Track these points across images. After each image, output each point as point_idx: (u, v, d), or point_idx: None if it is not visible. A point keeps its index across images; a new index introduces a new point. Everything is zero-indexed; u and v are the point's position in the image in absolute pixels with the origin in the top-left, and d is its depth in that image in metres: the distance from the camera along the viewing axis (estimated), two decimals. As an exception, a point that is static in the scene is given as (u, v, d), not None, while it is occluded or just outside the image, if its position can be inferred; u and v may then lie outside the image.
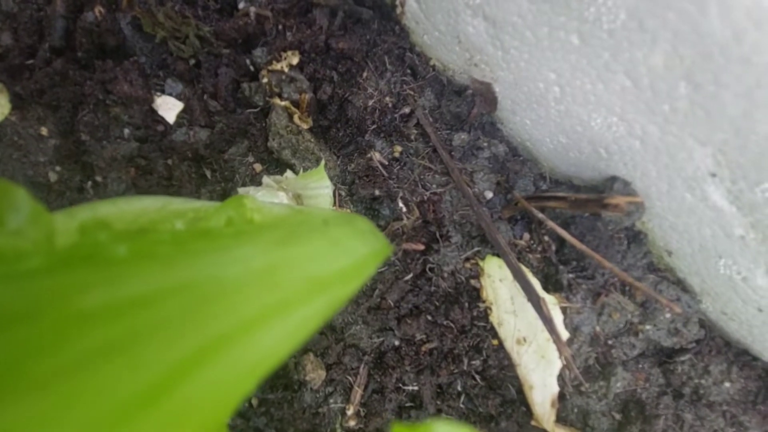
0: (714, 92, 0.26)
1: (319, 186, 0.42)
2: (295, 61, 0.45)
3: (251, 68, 0.48)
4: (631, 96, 0.32)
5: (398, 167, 0.52)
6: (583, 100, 0.36)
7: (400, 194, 0.52)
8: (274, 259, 0.13)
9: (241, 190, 0.45)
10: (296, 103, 0.46)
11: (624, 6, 0.26)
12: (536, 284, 0.45)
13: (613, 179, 0.43)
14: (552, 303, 0.45)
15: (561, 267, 0.47)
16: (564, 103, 0.39)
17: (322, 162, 0.43)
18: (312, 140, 0.48)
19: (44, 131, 0.52)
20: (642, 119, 0.33)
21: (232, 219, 0.23)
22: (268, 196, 0.42)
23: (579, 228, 0.45)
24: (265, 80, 0.44)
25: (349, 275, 0.15)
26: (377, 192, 0.51)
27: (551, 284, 0.48)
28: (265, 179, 0.45)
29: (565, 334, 0.45)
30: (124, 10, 0.44)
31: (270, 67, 0.44)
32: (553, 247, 0.48)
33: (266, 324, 0.12)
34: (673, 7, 0.24)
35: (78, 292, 0.12)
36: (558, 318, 0.45)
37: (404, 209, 0.52)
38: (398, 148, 0.52)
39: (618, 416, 0.53)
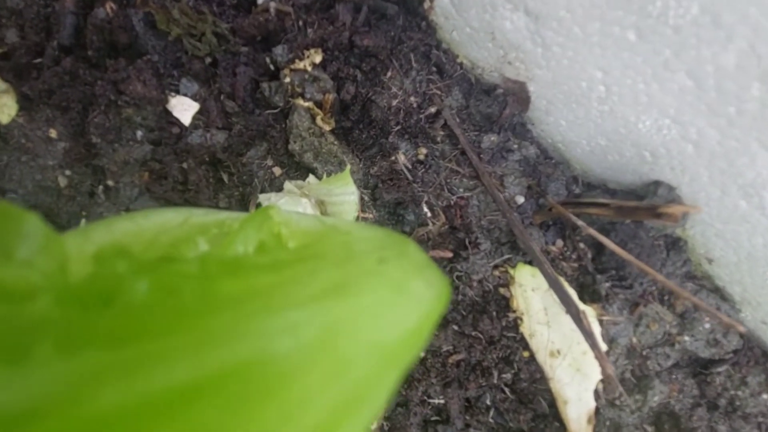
0: (795, 94, 0.24)
1: (344, 192, 0.40)
2: (318, 59, 0.43)
3: (271, 67, 0.45)
4: (691, 97, 0.30)
5: (423, 170, 0.50)
6: (632, 100, 0.34)
7: (425, 198, 0.49)
8: (330, 321, 0.11)
9: (261, 197, 0.43)
10: (319, 104, 0.44)
11: (696, 3, 0.24)
12: (573, 294, 0.43)
13: (657, 184, 0.40)
14: (591, 315, 0.43)
15: (598, 276, 0.44)
16: (609, 103, 0.36)
17: (348, 167, 0.40)
18: (335, 143, 0.46)
19: (53, 133, 0.50)
20: (700, 122, 0.31)
21: (265, 244, 0.21)
22: (291, 204, 0.40)
23: (620, 235, 0.42)
24: (287, 80, 0.42)
25: (419, 332, 0.13)
26: (401, 196, 0.48)
27: (587, 294, 0.46)
28: (287, 185, 0.43)
29: (603, 347, 0.43)
30: (137, 6, 0.42)
31: (292, 66, 0.41)
32: (589, 255, 0.45)
33: (336, 426, 0.09)
34: (756, 1, 0.22)
35: (92, 380, 0.09)
36: (596, 330, 0.43)
37: (429, 214, 0.49)
38: (423, 151, 0.49)
39: (650, 429, 0.51)
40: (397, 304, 0.13)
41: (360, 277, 0.14)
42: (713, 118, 0.30)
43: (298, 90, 0.43)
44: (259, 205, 0.45)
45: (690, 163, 0.35)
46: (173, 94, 0.48)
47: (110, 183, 0.50)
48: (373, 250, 0.16)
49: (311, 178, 0.43)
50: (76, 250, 0.18)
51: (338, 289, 0.13)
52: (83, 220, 0.50)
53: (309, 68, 0.42)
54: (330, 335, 0.11)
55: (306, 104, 0.43)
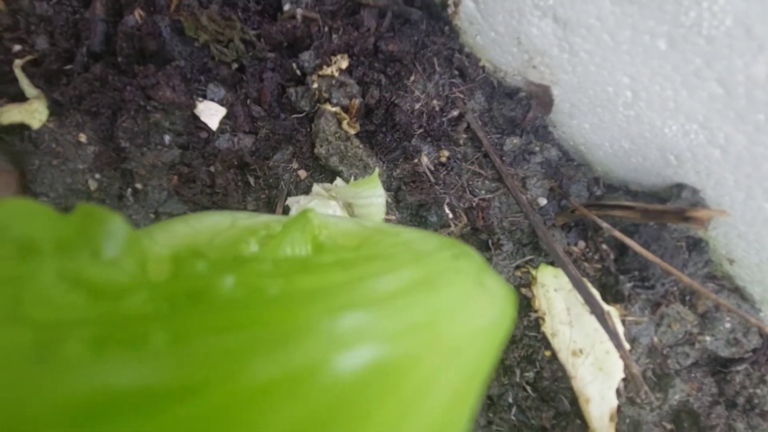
0: (827, 103, 0.25)
1: (372, 194, 0.41)
2: (344, 64, 0.44)
3: (298, 72, 0.46)
4: (720, 104, 0.31)
5: (445, 173, 0.51)
6: (659, 106, 0.35)
7: (447, 200, 0.50)
8: (431, 311, 0.12)
9: (291, 200, 0.44)
10: (345, 109, 0.45)
11: (732, 11, 0.25)
12: (597, 295, 0.43)
13: (680, 187, 0.41)
14: (615, 315, 0.43)
15: (621, 276, 0.45)
16: (635, 108, 0.37)
17: (376, 170, 0.41)
18: (360, 146, 0.47)
19: (83, 138, 0.51)
20: (728, 127, 0.32)
21: (322, 245, 0.22)
22: (320, 206, 0.41)
23: (643, 237, 0.43)
24: (315, 85, 0.43)
25: (501, 326, 0.14)
26: (424, 198, 0.49)
27: (610, 294, 0.46)
28: (315, 187, 0.44)
29: (626, 346, 0.44)
30: (170, 14, 0.43)
31: (320, 72, 0.42)
32: (612, 256, 0.46)
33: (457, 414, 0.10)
34: (793, 13, 0.23)
35: (241, 354, 0.11)
36: (620, 330, 0.44)
37: (451, 216, 0.50)
38: (445, 153, 0.50)
39: (669, 426, 0.52)
40: (481, 296, 0.14)
41: (442, 272, 0.14)
42: (741, 124, 0.31)
43: (325, 95, 0.44)
44: (286, 208, 0.46)
45: (716, 167, 0.36)
46: (200, 99, 0.49)
47: (138, 186, 0.51)
48: (441, 249, 0.17)
49: (339, 180, 0.44)
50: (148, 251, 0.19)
51: (426, 283, 0.14)
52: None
53: (336, 74, 0.43)
54: (434, 324, 0.11)
55: (333, 109, 0.44)
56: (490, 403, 0.50)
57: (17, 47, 0.51)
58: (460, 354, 0.11)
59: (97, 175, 0.52)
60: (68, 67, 0.50)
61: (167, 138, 0.50)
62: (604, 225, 0.40)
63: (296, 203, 0.42)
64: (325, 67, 0.43)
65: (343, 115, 0.45)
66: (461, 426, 0.11)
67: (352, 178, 0.45)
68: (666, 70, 0.31)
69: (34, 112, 0.51)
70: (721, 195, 0.38)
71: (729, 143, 0.33)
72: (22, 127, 0.51)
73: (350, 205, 0.43)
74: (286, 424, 0.10)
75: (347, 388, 0.10)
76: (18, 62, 0.49)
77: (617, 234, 0.40)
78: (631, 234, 0.43)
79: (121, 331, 0.12)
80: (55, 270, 0.12)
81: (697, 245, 0.47)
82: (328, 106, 0.43)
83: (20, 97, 0.51)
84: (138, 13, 0.48)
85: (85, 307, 0.11)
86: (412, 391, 0.10)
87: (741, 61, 0.27)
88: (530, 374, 0.48)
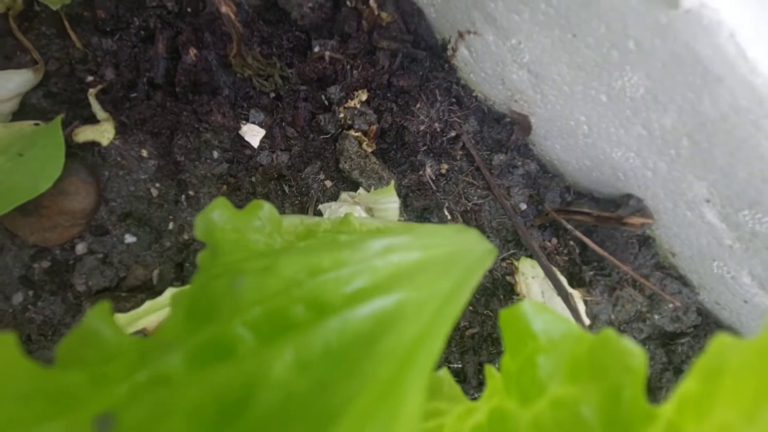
0: (707, 148, 0.37)
1: (388, 201, 0.53)
2: (364, 97, 0.55)
3: (325, 102, 0.58)
4: (646, 141, 0.43)
5: (444, 182, 0.62)
6: (607, 138, 0.47)
7: (446, 205, 0.62)
8: (454, 242, 0.23)
9: (323, 206, 0.55)
10: (365, 132, 0.57)
11: (643, 85, 0.37)
12: (564, 281, 0.56)
13: (629, 196, 0.53)
14: (577, 297, 0.56)
15: (584, 267, 0.58)
16: (591, 137, 0.49)
17: (392, 182, 0.53)
18: (376, 162, 0.58)
19: (144, 153, 0.62)
20: (654, 157, 0.44)
21: (356, 229, 0.34)
22: (347, 210, 0.53)
23: (600, 235, 0.56)
24: (341, 115, 0.54)
25: (485, 260, 0.24)
26: (427, 203, 0.61)
27: (575, 281, 0.59)
28: (343, 195, 0.56)
29: (587, 321, 0.56)
30: (228, 58, 0.54)
31: (345, 105, 0.54)
32: (577, 251, 0.59)
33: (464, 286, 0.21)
34: (679, 92, 0.35)
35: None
36: (581, 308, 0.56)
37: (449, 218, 0.62)
38: (445, 166, 0.62)
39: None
40: (479, 242, 0.24)
41: (444, 227, 0.26)
42: (662, 155, 0.43)
43: (349, 122, 0.56)
44: (318, 211, 0.57)
45: (650, 184, 0.48)
46: (244, 122, 0.60)
47: (191, 193, 0.63)
48: (447, 227, 0.29)
49: (361, 189, 0.56)
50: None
51: (459, 231, 0.25)
52: (171, 223, 0.62)
53: (358, 106, 0.55)
54: (438, 249, 0.22)
55: (355, 134, 0.55)
56: (480, 369, 0.62)
57: (89, 78, 0.62)
58: (454, 268, 0.23)
59: (157, 184, 0.63)
60: (132, 95, 0.61)
61: (216, 154, 0.62)
62: (568, 226, 0.53)
63: (328, 207, 0.54)
64: (349, 100, 0.54)
65: (363, 137, 0.56)
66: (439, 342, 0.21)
67: (372, 187, 0.57)
68: (608, 115, 0.43)
69: (103, 132, 0.62)
70: (656, 204, 0.50)
71: (656, 168, 0.45)
72: (93, 144, 0.62)
73: (371, 209, 0.55)
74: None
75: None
76: (92, 91, 0.60)
77: (578, 234, 0.52)
78: (590, 234, 0.56)
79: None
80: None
81: (646, 241, 0.59)
82: (351, 132, 0.55)
83: (92, 120, 0.62)
84: (192, 52, 0.58)
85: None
86: (425, 282, 0.22)
87: (654, 115, 0.39)
88: (513, 345, 0.61)
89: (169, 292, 0.50)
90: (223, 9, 0.46)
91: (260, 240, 0.26)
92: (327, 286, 0.17)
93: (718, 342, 0.12)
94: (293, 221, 0.36)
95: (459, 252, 0.21)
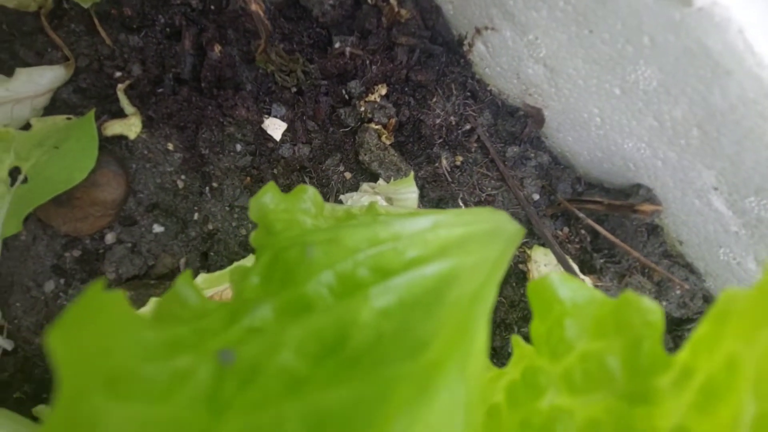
0: (716, 137, 0.39)
1: (408, 191, 0.55)
2: (384, 92, 0.58)
3: (346, 96, 0.60)
4: (657, 132, 0.45)
5: (459, 174, 0.65)
6: (619, 130, 0.49)
7: (461, 195, 0.65)
8: (490, 221, 0.25)
9: (343, 197, 0.58)
10: (385, 125, 0.59)
11: (656, 78, 0.39)
12: (575, 268, 0.58)
13: (639, 186, 0.56)
14: (588, 283, 0.58)
15: (594, 254, 0.60)
16: (603, 129, 0.51)
17: (412, 173, 0.56)
18: (395, 154, 0.61)
19: (170, 146, 0.65)
20: (664, 147, 0.46)
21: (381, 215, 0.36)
22: (369, 200, 0.55)
23: (610, 224, 0.58)
24: (362, 108, 0.57)
25: (520, 233, 0.26)
26: (443, 194, 0.64)
27: (586, 268, 0.61)
28: (364, 186, 0.58)
29: (597, 307, 0.59)
30: (260, 53, 0.56)
31: (366, 99, 0.56)
32: (588, 239, 0.61)
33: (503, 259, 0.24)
34: (690, 85, 0.37)
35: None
36: (592, 294, 0.58)
37: (464, 208, 0.65)
38: (460, 158, 0.64)
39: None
40: (501, 217, 0.27)
41: (478, 209, 0.28)
42: (672, 146, 0.45)
43: (369, 116, 0.58)
44: (339, 202, 0.60)
45: (660, 174, 0.50)
46: (267, 115, 0.63)
47: (215, 185, 0.65)
48: (480, 209, 0.31)
49: (381, 180, 0.58)
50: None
51: (469, 211, 0.28)
52: (196, 214, 0.65)
53: (378, 100, 0.57)
54: (477, 226, 0.25)
55: (375, 127, 0.58)
56: (494, 353, 0.65)
57: (117, 73, 0.64)
58: (493, 242, 0.25)
59: (183, 176, 0.65)
60: (159, 90, 0.64)
61: (239, 147, 0.64)
62: (581, 215, 0.55)
63: (350, 198, 0.56)
64: (369, 94, 0.57)
65: (383, 130, 0.58)
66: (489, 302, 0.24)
67: (391, 179, 0.59)
68: (621, 107, 0.46)
69: (131, 126, 0.64)
70: (666, 193, 0.53)
71: (666, 157, 0.47)
72: (121, 138, 0.64)
73: (390, 199, 0.57)
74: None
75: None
76: (120, 86, 0.63)
77: (591, 222, 0.55)
78: (601, 222, 0.58)
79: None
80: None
81: (654, 230, 0.62)
82: (371, 125, 0.57)
83: (120, 114, 0.64)
84: (217, 48, 0.61)
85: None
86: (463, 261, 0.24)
87: (666, 107, 0.41)
88: (525, 330, 0.63)
89: (201, 278, 0.53)
90: (254, 7, 0.49)
91: (308, 220, 0.28)
92: (387, 254, 0.20)
93: (726, 292, 0.15)
94: (326, 207, 0.38)
95: (496, 228, 0.23)
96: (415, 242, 0.20)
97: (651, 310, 0.19)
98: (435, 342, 0.12)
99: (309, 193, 0.30)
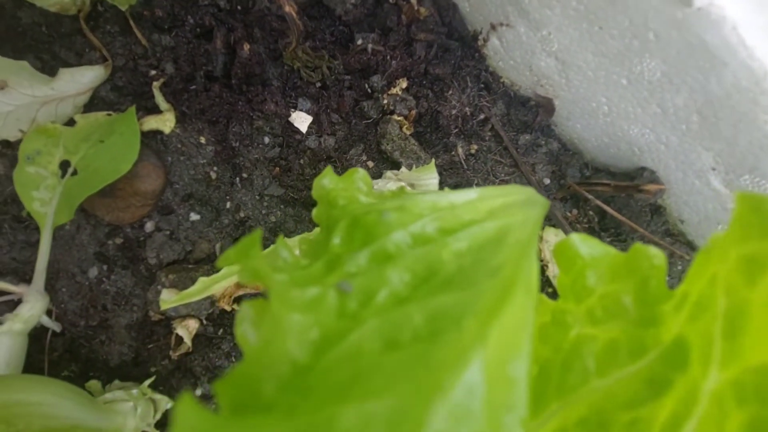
0: (714, 122, 0.44)
1: (429, 177, 0.60)
2: (404, 85, 0.62)
3: (368, 90, 0.65)
4: (660, 118, 0.50)
5: (474, 161, 0.70)
6: (625, 117, 0.54)
7: (476, 182, 0.69)
8: (523, 193, 0.30)
9: (369, 183, 0.63)
10: (406, 117, 0.64)
11: (660, 69, 0.44)
12: (585, 247, 0.63)
13: (643, 169, 0.60)
14: (597, 259, 0.63)
15: (602, 234, 0.65)
16: (611, 116, 0.56)
17: (433, 161, 0.60)
18: (415, 143, 0.66)
19: (203, 140, 0.70)
20: (667, 132, 0.51)
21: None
22: (393, 186, 0.60)
23: (616, 205, 0.63)
24: (384, 101, 0.61)
25: (546, 204, 0.31)
26: (459, 180, 0.68)
27: (594, 247, 0.66)
28: (387, 173, 0.63)
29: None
30: (291, 51, 0.61)
31: (388, 92, 0.61)
32: (596, 219, 0.66)
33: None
34: (690, 75, 0.42)
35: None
36: (601, 270, 0.63)
37: (479, 193, 0.70)
38: (475, 146, 0.69)
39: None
40: (530, 191, 0.31)
41: (510, 186, 0.33)
42: (674, 131, 0.50)
43: (391, 108, 0.63)
44: (363, 190, 0.65)
45: (663, 157, 0.55)
46: (293, 109, 0.67)
47: (245, 175, 0.70)
48: (512, 186, 0.36)
49: (403, 168, 0.63)
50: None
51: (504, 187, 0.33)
52: (228, 202, 0.70)
53: (399, 92, 0.62)
54: (514, 197, 0.30)
55: (397, 118, 0.62)
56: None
57: (152, 72, 0.69)
58: (511, 212, 0.30)
59: (215, 168, 0.70)
60: (191, 87, 0.68)
61: (267, 139, 0.69)
62: (589, 197, 0.60)
63: (375, 184, 0.61)
64: (392, 87, 0.61)
65: (404, 121, 0.63)
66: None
67: (412, 166, 0.64)
68: (627, 96, 0.50)
69: (166, 121, 0.69)
70: (668, 174, 0.58)
71: (668, 141, 0.52)
72: (156, 133, 0.69)
73: (413, 185, 0.62)
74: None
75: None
76: (156, 84, 0.67)
77: (599, 203, 0.59)
78: (608, 203, 0.63)
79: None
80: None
81: (657, 210, 0.67)
82: (393, 116, 0.62)
83: (155, 110, 0.69)
84: (246, 47, 0.65)
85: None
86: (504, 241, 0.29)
87: (669, 95, 0.46)
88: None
89: (225, 269, 0.57)
90: (287, 9, 0.53)
91: (362, 197, 0.33)
92: (447, 217, 0.24)
93: (714, 235, 0.20)
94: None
95: (529, 198, 0.28)
96: (468, 209, 0.25)
97: (656, 256, 0.24)
98: (505, 268, 0.17)
99: (360, 174, 0.35)
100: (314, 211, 0.32)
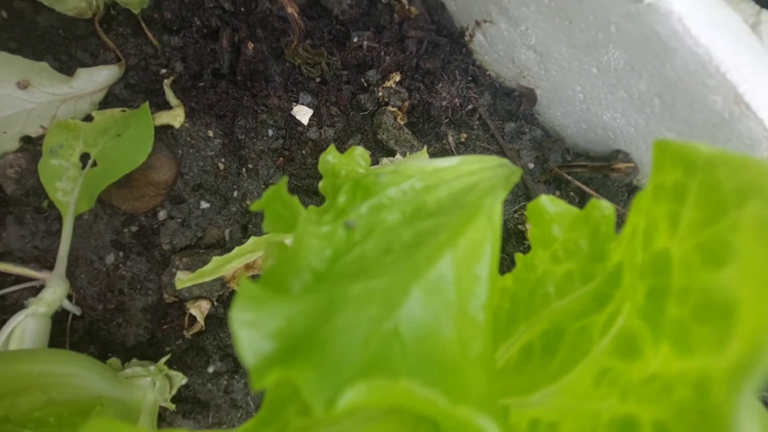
0: (672, 104, 0.50)
1: (421, 164, 0.66)
2: (398, 79, 0.68)
3: (365, 84, 0.70)
4: (628, 103, 0.56)
5: (464, 149, 0.75)
6: (598, 103, 0.60)
7: (466, 168, 0.75)
8: (497, 161, 0.36)
9: (367, 169, 0.68)
10: (400, 108, 0.69)
11: (623, 58, 0.49)
12: (567, 225, 0.69)
13: (618, 152, 0.66)
14: (578, 236, 0.69)
15: (583, 213, 0.71)
16: (586, 103, 0.62)
17: (425, 148, 0.66)
18: (408, 133, 0.71)
19: (210, 133, 0.75)
20: (635, 115, 0.57)
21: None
22: (388, 173, 0.66)
23: (594, 185, 0.69)
24: (380, 94, 0.67)
25: (519, 171, 0.37)
26: (450, 167, 0.74)
27: (576, 225, 0.72)
28: (383, 160, 0.68)
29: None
30: (292, 49, 0.66)
31: (383, 85, 0.67)
32: (577, 200, 0.72)
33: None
34: (649, 62, 0.48)
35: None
36: (582, 246, 0.69)
37: (469, 178, 0.75)
38: (464, 135, 0.75)
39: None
40: (505, 161, 0.37)
41: (485, 155, 0.39)
42: (640, 114, 0.56)
43: (386, 100, 0.68)
44: (361, 176, 0.70)
45: (633, 139, 0.61)
46: (295, 103, 0.73)
47: (251, 166, 0.75)
48: (489, 156, 0.42)
49: (398, 155, 0.69)
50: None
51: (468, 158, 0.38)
52: (235, 191, 0.75)
53: (393, 86, 0.67)
54: (489, 162, 0.36)
55: (392, 109, 0.68)
56: (499, 304, 0.75)
57: (163, 70, 0.74)
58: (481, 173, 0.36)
59: (222, 159, 0.75)
60: (199, 84, 0.74)
61: (271, 131, 0.74)
62: (569, 178, 0.66)
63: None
64: (386, 81, 0.67)
65: (398, 112, 0.69)
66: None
67: (406, 154, 0.69)
68: (598, 84, 0.56)
69: (176, 116, 0.74)
70: (641, 155, 0.63)
71: (637, 124, 0.58)
72: (167, 127, 0.74)
73: (406, 172, 0.67)
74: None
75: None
76: (167, 81, 0.73)
77: (579, 184, 0.65)
78: (587, 184, 0.69)
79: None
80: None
81: (633, 191, 0.72)
82: (388, 108, 0.68)
83: (165, 106, 0.74)
84: (251, 45, 0.71)
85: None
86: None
87: (633, 81, 0.52)
88: (526, 282, 0.74)
89: (251, 240, 0.63)
90: (290, 10, 0.59)
91: (361, 171, 0.39)
92: (432, 177, 0.30)
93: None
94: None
95: (502, 163, 0.34)
96: (450, 171, 0.31)
97: (606, 207, 0.30)
98: (473, 203, 0.22)
99: (359, 151, 0.41)
100: (320, 184, 0.37)
